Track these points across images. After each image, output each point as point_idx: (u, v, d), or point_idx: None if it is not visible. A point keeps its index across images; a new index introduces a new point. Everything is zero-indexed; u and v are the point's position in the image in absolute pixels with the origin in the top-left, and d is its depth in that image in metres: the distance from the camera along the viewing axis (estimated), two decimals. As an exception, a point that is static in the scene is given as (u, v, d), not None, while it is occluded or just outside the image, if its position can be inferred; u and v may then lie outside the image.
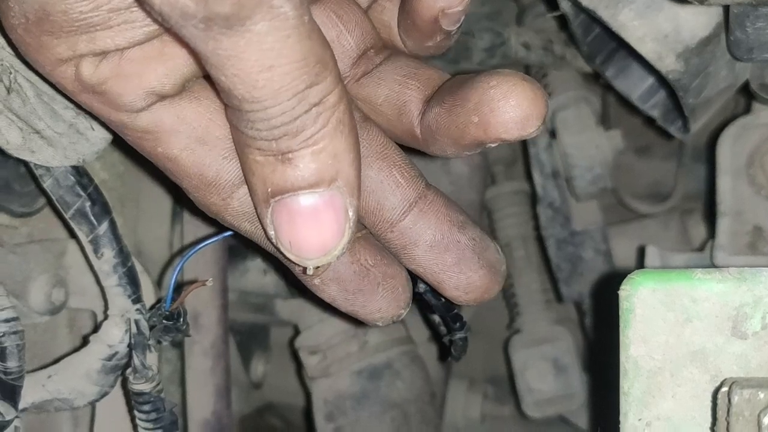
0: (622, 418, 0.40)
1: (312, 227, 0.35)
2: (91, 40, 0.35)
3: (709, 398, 0.39)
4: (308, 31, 0.31)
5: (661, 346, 0.40)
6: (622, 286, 0.41)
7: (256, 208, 0.38)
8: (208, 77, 0.36)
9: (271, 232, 0.36)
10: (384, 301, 0.42)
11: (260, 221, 0.37)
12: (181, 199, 0.69)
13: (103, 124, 0.43)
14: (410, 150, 0.43)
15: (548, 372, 0.91)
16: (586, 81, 0.88)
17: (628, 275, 0.41)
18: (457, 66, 0.83)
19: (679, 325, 0.40)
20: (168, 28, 0.32)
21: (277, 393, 0.99)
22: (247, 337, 0.86)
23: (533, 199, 0.92)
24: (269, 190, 0.35)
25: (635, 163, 0.97)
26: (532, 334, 0.93)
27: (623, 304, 0.40)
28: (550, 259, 0.89)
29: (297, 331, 0.80)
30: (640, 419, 0.40)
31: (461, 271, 0.42)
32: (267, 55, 0.31)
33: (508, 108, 0.36)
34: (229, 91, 0.32)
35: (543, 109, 0.36)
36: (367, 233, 0.42)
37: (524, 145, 0.90)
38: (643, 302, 0.40)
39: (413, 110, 0.41)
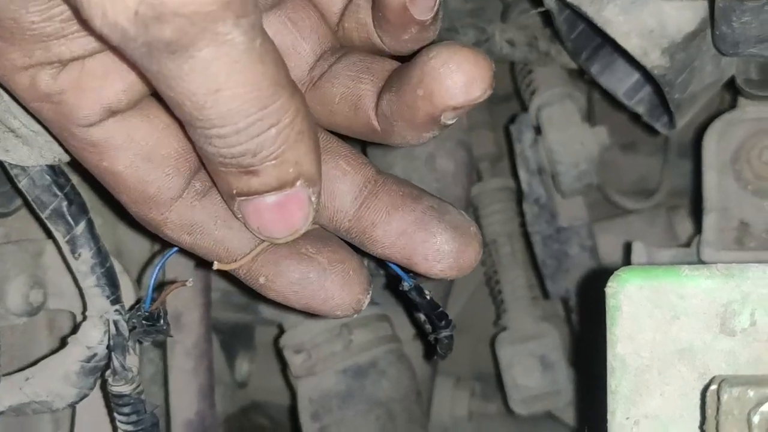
0: (609, 416, 0.40)
1: (278, 217, 0.37)
2: (47, 48, 0.35)
3: (698, 396, 0.38)
4: (259, 55, 0.31)
5: (649, 343, 0.39)
6: (609, 283, 0.40)
7: (222, 197, 0.39)
8: (156, 94, 0.35)
9: (239, 216, 0.38)
10: (335, 287, 0.41)
11: (228, 206, 0.39)
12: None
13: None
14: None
15: (535, 369, 0.91)
16: (571, 77, 0.88)
17: (615, 272, 0.40)
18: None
19: (667, 323, 0.39)
20: (112, 48, 0.32)
21: (262, 392, 0.99)
22: (230, 336, 0.85)
23: (519, 195, 0.92)
24: (234, 192, 0.36)
25: (620, 160, 0.97)
26: (519, 330, 0.92)
27: (610, 302, 0.40)
28: (536, 256, 0.89)
29: (281, 330, 0.79)
30: (627, 417, 0.39)
31: (424, 239, 0.40)
32: (213, 79, 0.30)
33: (449, 73, 0.36)
34: (178, 107, 0.32)
35: (486, 70, 0.36)
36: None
37: (509, 141, 0.89)
38: (630, 299, 0.40)
39: (368, 103, 0.40)
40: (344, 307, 0.41)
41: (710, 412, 0.35)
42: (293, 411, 0.99)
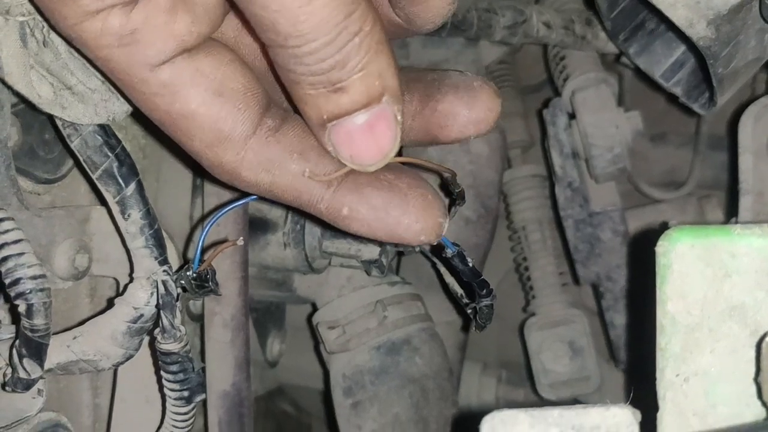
0: (659, 373, 0.40)
1: (369, 139, 0.38)
2: None
3: (749, 353, 0.38)
4: None
5: (699, 301, 0.39)
6: (660, 242, 0.40)
7: (311, 130, 0.40)
8: (215, 37, 0.38)
9: (330, 149, 0.39)
10: (418, 211, 0.41)
11: (317, 140, 0.40)
12: (202, 173, 0.69)
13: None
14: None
15: (564, 354, 0.91)
16: (604, 64, 0.88)
17: (665, 231, 0.40)
18: (478, 44, 0.83)
19: (718, 281, 0.39)
20: None
21: (289, 374, 0.99)
22: (263, 314, 0.85)
23: (549, 182, 0.92)
24: (324, 117, 0.37)
25: (650, 151, 0.97)
26: (548, 316, 0.92)
27: (660, 260, 0.40)
28: (568, 240, 0.89)
29: (314, 309, 0.79)
30: (677, 375, 0.39)
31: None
32: None
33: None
34: (273, 27, 0.34)
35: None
36: None
37: (543, 127, 0.90)
38: (681, 258, 0.40)
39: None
40: (428, 230, 0.41)
41: (765, 363, 0.35)
42: (320, 395, 1.00)
